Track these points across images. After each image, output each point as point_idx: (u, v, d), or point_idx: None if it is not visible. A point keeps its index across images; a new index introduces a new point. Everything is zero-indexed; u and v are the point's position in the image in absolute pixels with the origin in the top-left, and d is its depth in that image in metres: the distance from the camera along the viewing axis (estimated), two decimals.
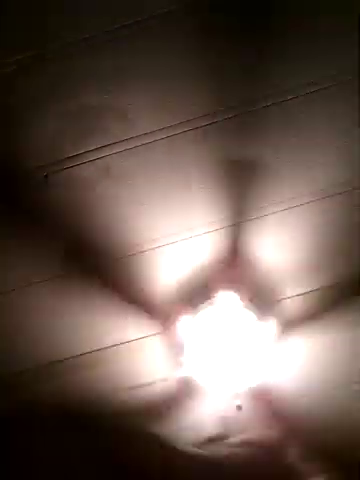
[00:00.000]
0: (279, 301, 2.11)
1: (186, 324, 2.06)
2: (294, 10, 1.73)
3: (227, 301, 2.05)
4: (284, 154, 1.91)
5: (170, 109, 1.83)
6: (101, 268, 2.04)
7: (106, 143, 1.87)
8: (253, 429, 2.30)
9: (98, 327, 2.13)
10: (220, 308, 2.05)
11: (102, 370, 2.19)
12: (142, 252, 2.02)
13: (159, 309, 2.10)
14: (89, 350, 2.17)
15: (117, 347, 2.17)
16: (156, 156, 1.89)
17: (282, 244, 2.03)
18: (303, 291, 2.11)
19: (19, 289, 2.06)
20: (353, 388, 2.27)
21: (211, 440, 2.29)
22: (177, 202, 1.96)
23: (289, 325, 2.12)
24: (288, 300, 2.12)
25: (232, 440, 2.31)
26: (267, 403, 2.24)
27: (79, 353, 2.17)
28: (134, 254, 2.02)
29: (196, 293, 2.07)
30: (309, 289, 2.11)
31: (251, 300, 2.06)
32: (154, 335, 2.15)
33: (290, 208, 1.98)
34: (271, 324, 2.06)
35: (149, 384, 2.19)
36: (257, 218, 1.99)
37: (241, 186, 1.95)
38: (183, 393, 2.22)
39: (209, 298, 2.05)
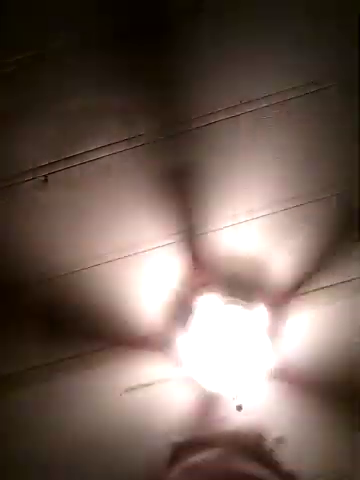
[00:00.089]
0: (279, 301, 2.11)
1: (186, 324, 2.06)
2: (293, 10, 1.73)
3: (227, 301, 2.05)
4: (284, 154, 1.91)
5: (170, 109, 1.83)
6: (101, 268, 2.04)
7: (106, 143, 1.87)
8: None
9: (98, 327, 2.13)
10: (220, 308, 2.05)
11: (102, 370, 2.19)
12: (142, 252, 2.02)
13: (161, 308, 2.10)
14: (89, 350, 2.17)
15: (117, 347, 2.16)
16: (156, 156, 1.89)
17: (282, 244, 2.03)
18: (303, 291, 2.11)
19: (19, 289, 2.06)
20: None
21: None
22: (177, 202, 1.96)
23: (289, 325, 2.12)
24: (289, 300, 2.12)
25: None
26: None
27: (79, 353, 2.17)
28: (134, 254, 2.02)
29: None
30: (309, 289, 2.11)
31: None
32: (154, 335, 2.15)
33: (289, 208, 1.98)
34: (270, 324, 2.06)
35: (149, 384, 2.19)
36: (257, 218, 1.99)
37: (241, 185, 1.95)
38: (183, 393, 2.22)
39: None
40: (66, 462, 2.38)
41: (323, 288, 2.11)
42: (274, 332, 2.08)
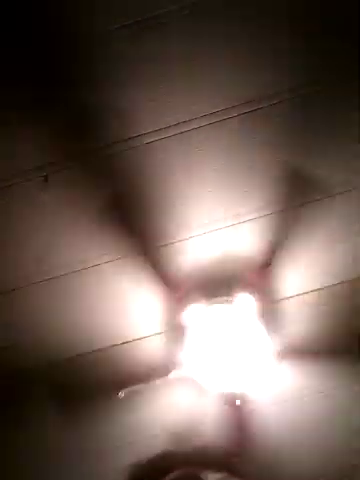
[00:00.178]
0: (279, 301, 2.11)
1: (186, 324, 2.06)
2: (293, 10, 1.73)
3: (227, 301, 2.05)
4: (283, 154, 1.91)
5: (170, 109, 1.83)
6: (101, 268, 2.04)
7: (106, 143, 1.87)
8: None
9: (98, 327, 2.13)
10: (220, 308, 2.05)
11: (102, 370, 2.19)
12: (143, 252, 2.02)
13: (162, 306, 2.10)
14: (89, 350, 2.17)
15: (117, 347, 2.17)
16: (156, 156, 1.89)
17: (281, 244, 2.03)
18: (303, 291, 2.11)
19: (19, 289, 2.06)
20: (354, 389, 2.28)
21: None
22: (178, 202, 1.96)
23: (289, 325, 2.12)
24: (288, 300, 2.12)
25: None
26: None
27: (79, 353, 2.17)
28: (134, 254, 2.02)
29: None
30: (309, 289, 2.11)
31: (265, 313, 2.06)
32: (154, 335, 2.15)
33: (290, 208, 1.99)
34: (271, 324, 2.07)
35: (149, 383, 2.19)
36: (258, 218, 1.99)
37: (238, 189, 1.95)
38: (183, 393, 2.22)
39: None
40: (66, 462, 2.38)
41: (323, 288, 2.12)
42: (268, 316, 2.08)
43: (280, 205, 1.98)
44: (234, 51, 1.77)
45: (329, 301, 2.12)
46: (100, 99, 1.81)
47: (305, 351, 2.16)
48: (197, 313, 2.05)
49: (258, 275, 2.05)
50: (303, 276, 2.09)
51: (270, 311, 2.09)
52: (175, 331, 2.10)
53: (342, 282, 2.10)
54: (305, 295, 2.11)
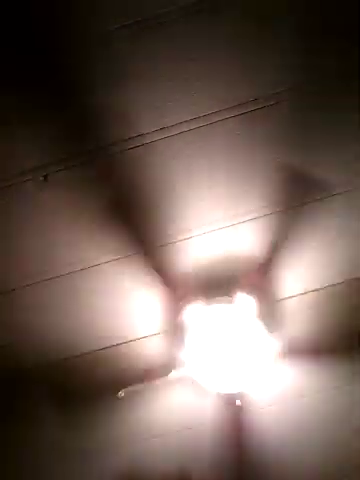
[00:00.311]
0: (279, 301, 2.11)
1: (186, 324, 2.06)
2: (293, 10, 1.73)
3: (227, 301, 2.05)
4: (283, 154, 1.91)
5: (170, 109, 1.83)
6: (101, 268, 2.04)
7: (106, 143, 1.87)
8: None
9: (98, 327, 2.13)
10: (220, 308, 2.05)
11: (102, 370, 2.19)
12: (143, 252, 2.02)
13: (162, 305, 2.10)
14: (89, 350, 2.17)
15: (117, 347, 2.17)
16: (156, 156, 1.89)
17: (282, 244, 2.03)
18: (303, 291, 2.11)
19: (19, 289, 2.06)
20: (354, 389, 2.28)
21: None
22: (178, 203, 1.96)
23: (289, 325, 2.12)
24: (288, 300, 2.12)
25: None
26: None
27: (79, 353, 2.17)
28: (134, 254, 2.02)
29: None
30: (309, 289, 2.11)
31: (265, 312, 2.06)
32: (154, 335, 2.15)
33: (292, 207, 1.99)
34: (271, 324, 2.06)
35: (149, 383, 2.19)
36: (257, 218, 1.99)
37: (236, 188, 1.95)
38: (183, 393, 2.22)
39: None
40: (66, 462, 2.38)
41: (323, 288, 2.12)
42: (267, 316, 2.08)
43: (280, 205, 1.98)
44: (234, 51, 1.76)
45: (329, 301, 2.12)
46: (100, 99, 1.81)
47: (305, 351, 2.16)
48: (197, 313, 2.05)
49: (258, 275, 2.05)
50: (303, 276, 2.09)
51: (270, 311, 2.09)
52: (175, 331, 2.10)
53: (342, 282, 2.10)
54: (305, 295, 2.11)
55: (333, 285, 2.11)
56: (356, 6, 1.72)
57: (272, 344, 2.09)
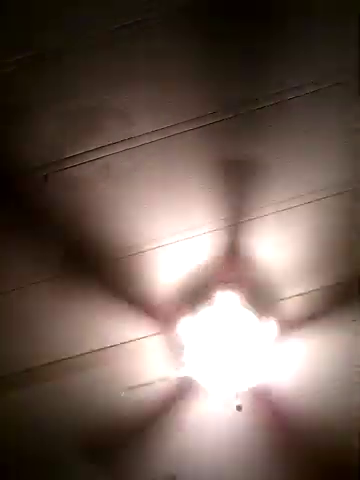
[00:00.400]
0: (279, 301, 2.11)
1: (186, 324, 2.06)
2: (293, 11, 1.73)
3: (226, 301, 2.05)
4: (283, 154, 1.91)
5: (170, 109, 1.83)
6: (101, 268, 2.04)
7: (106, 143, 1.87)
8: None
9: (98, 327, 2.13)
10: (220, 308, 2.05)
11: (102, 370, 2.19)
12: (142, 252, 2.02)
13: (159, 309, 2.10)
14: (89, 350, 2.17)
15: (117, 347, 2.17)
16: (156, 156, 1.89)
17: (282, 244, 2.03)
18: (303, 291, 2.11)
19: (19, 289, 2.06)
20: (352, 387, 2.28)
21: None
22: (177, 202, 1.96)
23: (289, 325, 2.12)
24: (288, 300, 2.12)
25: None
26: (267, 403, 2.24)
27: (79, 353, 2.17)
28: (134, 254, 2.02)
29: (196, 293, 2.07)
30: (309, 289, 2.11)
31: (250, 300, 2.06)
32: (154, 335, 2.15)
33: (290, 208, 1.98)
34: (271, 323, 2.06)
35: (149, 384, 2.19)
36: (257, 218, 1.99)
37: (240, 186, 1.95)
38: (183, 393, 2.22)
39: (208, 298, 2.05)
40: (66, 462, 2.38)
41: (323, 288, 2.12)
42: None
43: (280, 205, 1.98)
44: (234, 51, 1.77)
45: (329, 301, 2.12)
46: (100, 99, 1.81)
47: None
48: (187, 323, 2.05)
49: (256, 275, 2.05)
50: (303, 276, 2.09)
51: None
52: (174, 333, 2.10)
53: (342, 282, 2.10)
54: (305, 295, 2.12)
55: (333, 285, 2.11)
56: (356, 5, 1.72)
57: (272, 344, 2.09)
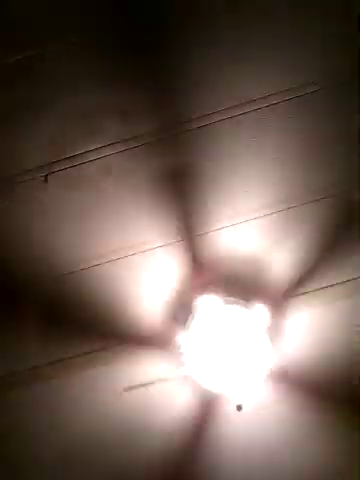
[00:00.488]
0: (279, 301, 2.11)
1: (186, 324, 2.06)
2: (293, 10, 1.73)
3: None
4: (283, 154, 1.91)
5: (170, 109, 1.83)
6: (101, 268, 2.04)
7: (106, 143, 1.87)
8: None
9: (98, 327, 2.13)
10: (220, 308, 2.05)
11: (102, 370, 2.19)
12: (143, 252, 2.02)
13: (161, 308, 2.10)
14: (89, 350, 2.17)
15: (117, 347, 2.17)
16: (156, 156, 1.89)
17: (282, 244, 2.03)
18: (303, 291, 2.11)
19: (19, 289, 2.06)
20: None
21: None
22: (178, 203, 1.96)
23: (289, 325, 2.12)
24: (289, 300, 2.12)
25: None
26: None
27: (79, 353, 2.17)
28: (135, 253, 2.02)
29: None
30: (309, 289, 2.11)
31: (251, 300, 2.06)
32: (154, 335, 2.15)
33: (290, 208, 1.99)
34: (270, 324, 2.06)
35: (149, 384, 2.19)
36: (256, 218, 1.99)
37: (238, 187, 1.95)
38: (183, 393, 2.22)
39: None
40: (66, 461, 2.38)
41: (323, 288, 2.12)
42: (274, 331, 2.08)
43: (280, 205, 1.98)
44: (234, 51, 1.77)
45: (329, 301, 2.13)
46: (100, 99, 1.81)
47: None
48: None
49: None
50: (303, 275, 2.09)
51: (280, 330, 2.09)
52: (178, 327, 2.10)
53: (342, 282, 2.11)
54: (305, 295, 2.12)
55: (333, 285, 2.11)
56: (356, 5, 1.72)
57: (272, 344, 2.09)
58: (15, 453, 2.35)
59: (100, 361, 2.18)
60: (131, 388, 2.19)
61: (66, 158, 1.88)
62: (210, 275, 2.04)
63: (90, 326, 2.13)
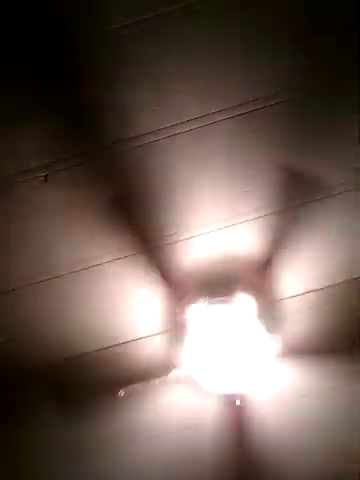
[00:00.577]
0: (279, 301, 2.11)
1: (186, 324, 2.07)
2: (293, 10, 1.73)
3: (227, 301, 2.05)
4: (283, 154, 1.91)
5: (170, 109, 1.83)
6: (101, 268, 2.04)
7: (106, 143, 1.87)
8: None
9: (98, 327, 2.13)
10: (220, 308, 2.05)
11: (102, 370, 2.19)
12: (143, 251, 2.03)
13: (160, 308, 2.10)
14: (89, 350, 2.17)
15: (117, 347, 2.17)
16: (156, 156, 1.89)
17: (282, 244, 2.03)
18: (303, 291, 2.11)
19: (19, 289, 2.06)
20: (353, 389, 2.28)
21: None
22: (182, 200, 1.96)
23: (289, 325, 2.12)
24: (288, 300, 2.12)
25: None
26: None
27: (79, 353, 2.17)
28: (134, 254, 2.02)
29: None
30: (309, 289, 2.11)
31: (263, 310, 2.06)
32: (154, 334, 2.15)
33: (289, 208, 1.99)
34: (270, 324, 2.07)
35: (149, 383, 2.19)
36: (257, 218, 1.99)
37: (238, 187, 1.95)
38: (183, 393, 2.22)
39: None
40: (66, 462, 2.38)
41: (324, 288, 2.12)
42: (265, 315, 2.08)
43: (280, 205, 1.98)
44: (234, 51, 1.77)
45: (329, 301, 2.12)
46: (100, 99, 1.81)
47: (304, 351, 2.16)
48: (197, 313, 2.05)
49: (258, 275, 2.05)
50: (303, 276, 2.09)
51: (269, 311, 2.09)
52: (175, 331, 2.10)
53: (342, 282, 2.10)
54: (305, 295, 2.12)
55: (333, 285, 2.11)
56: (355, 5, 1.72)
57: (272, 344, 2.09)
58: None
59: (100, 361, 2.18)
60: (130, 388, 2.19)
61: (67, 158, 1.88)
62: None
63: (90, 326, 2.14)
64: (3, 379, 2.19)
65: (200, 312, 2.05)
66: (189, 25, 1.72)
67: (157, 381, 2.17)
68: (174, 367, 2.14)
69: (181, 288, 2.07)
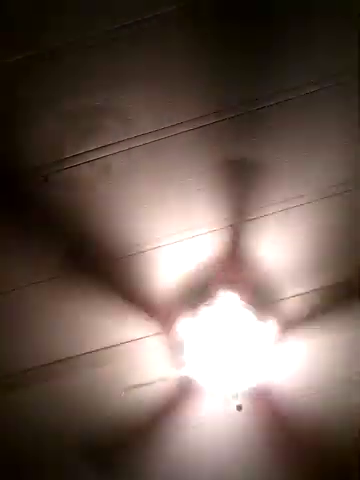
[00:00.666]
0: (279, 301, 2.11)
1: (186, 324, 2.06)
2: (294, 10, 1.73)
3: (227, 301, 2.05)
4: (283, 154, 1.91)
5: (170, 109, 1.83)
6: (101, 268, 2.04)
7: (106, 143, 1.87)
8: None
9: (98, 327, 2.13)
10: (220, 308, 2.05)
11: (102, 370, 2.19)
12: (142, 252, 2.02)
13: (159, 309, 2.10)
14: (89, 350, 2.17)
15: (117, 347, 2.17)
16: (156, 156, 1.89)
17: (282, 244, 2.03)
18: (303, 291, 2.11)
19: (19, 289, 2.06)
20: (351, 386, 2.28)
21: None
22: (177, 202, 1.96)
23: (289, 325, 2.12)
24: (288, 300, 2.12)
25: None
26: (267, 403, 2.24)
27: (79, 353, 2.17)
28: (134, 254, 2.02)
29: (196, 293, 2.07)
30: (309, 289, 2.11)
31: (251, 300, 2.06)
32: (154, 335, 2.15)
33: (290, 208, 1.98)
34: (270, 324, 2.06)
35: (149, 384, 2.19)
36: (257, 218, 1.99)
37: (240, 186, 1.95)
38: (183, 393, 2.22)
39: (209, 298, 2.06)
40: (65, 461, 2.38)
41: (324, 288, 2.12)
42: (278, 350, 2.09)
43: (280, 205, 1.98)
44: (234, 51, 1.77)
45: (329, 301, 2.13)
46: (100, 99, 1.81)
47: (305, 350, 2.17)
48: (188, 323, 2.05)
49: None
50: (303, 275, 2.09)
51: (254, 298, 2.09)
52: (173, 333, 2.10)
53: (342, 282, 2.11)
54: (305, 295, 2.12)
55: (333, 285, 2.11)
56: (355, 5, 1.72)
57: (272, 344, 2.09)
58: (13, 453, 2.36)
59: (100, 361, 2.18)
60: (131, 388, 2.19)
61: (66, 158, 1.88)
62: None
63: (91, 326, 2.14)
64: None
65: (190, 322, 2.05)
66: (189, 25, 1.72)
67: (157, 381, 2.17)
68: (174, 368, 2.14)
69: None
